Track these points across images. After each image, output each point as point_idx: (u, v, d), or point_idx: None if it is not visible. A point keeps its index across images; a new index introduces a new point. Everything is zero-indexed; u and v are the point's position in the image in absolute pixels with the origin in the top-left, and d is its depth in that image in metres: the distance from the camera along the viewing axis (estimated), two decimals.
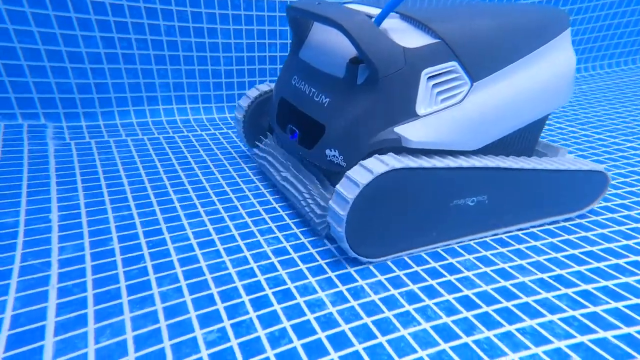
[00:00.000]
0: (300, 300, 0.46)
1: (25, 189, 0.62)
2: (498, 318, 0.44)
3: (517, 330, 0.42)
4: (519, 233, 0.57)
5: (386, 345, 0.40)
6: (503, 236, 0.56)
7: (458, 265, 0.52)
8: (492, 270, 0.51)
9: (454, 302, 0.46)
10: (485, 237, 0.56)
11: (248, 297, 0.46)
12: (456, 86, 0.47)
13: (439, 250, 0.54)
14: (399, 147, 0.46)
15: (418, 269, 0.51)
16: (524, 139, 0.55)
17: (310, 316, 0.44)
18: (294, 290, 0.47)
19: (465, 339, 0.41)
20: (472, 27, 0.46)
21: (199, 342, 0.40)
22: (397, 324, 0.43)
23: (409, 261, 0.52)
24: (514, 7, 0.52)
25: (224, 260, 0.52)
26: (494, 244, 0.55)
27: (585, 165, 0.55)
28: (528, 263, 0.52)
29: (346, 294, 0.47)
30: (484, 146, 0.51)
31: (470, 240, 0.55)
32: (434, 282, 0.49)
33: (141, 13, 0.89)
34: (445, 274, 0.50)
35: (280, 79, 0.61)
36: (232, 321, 0.43)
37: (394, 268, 0.51)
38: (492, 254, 0.54)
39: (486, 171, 0.48)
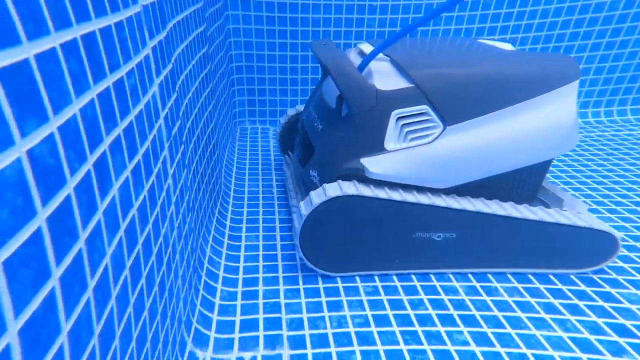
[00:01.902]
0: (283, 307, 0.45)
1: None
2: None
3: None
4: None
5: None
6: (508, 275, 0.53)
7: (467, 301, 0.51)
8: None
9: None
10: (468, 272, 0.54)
11: None
12: (427, 128, 0.48)
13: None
14: (362, 177, 0.49)
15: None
16: (516, 184, 0.54)
17: (284, 316, 0.43)
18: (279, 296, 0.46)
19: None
20: (450, 75, 0.47)
21: None
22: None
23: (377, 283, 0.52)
24: (517, 56, 0.51)
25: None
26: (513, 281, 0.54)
27: (596, 224, 0.51)
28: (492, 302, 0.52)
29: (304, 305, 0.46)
30: (461, 186, 0.51)
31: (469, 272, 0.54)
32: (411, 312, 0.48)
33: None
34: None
35: (306, 105, 0.66)
36: None
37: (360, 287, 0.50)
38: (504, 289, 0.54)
39: (450, 210, 0.49)
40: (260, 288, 0.50)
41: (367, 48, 0.57)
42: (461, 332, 0.44)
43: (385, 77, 0.48)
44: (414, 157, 0.48)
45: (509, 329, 0.45)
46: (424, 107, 0.47)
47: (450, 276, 0.53)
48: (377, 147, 0.48)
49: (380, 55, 0.53)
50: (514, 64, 0.49)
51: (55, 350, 0.17)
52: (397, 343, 0.43)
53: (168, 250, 0.34)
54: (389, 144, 0.48)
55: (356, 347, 0.42)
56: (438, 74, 0.47)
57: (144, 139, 0.28)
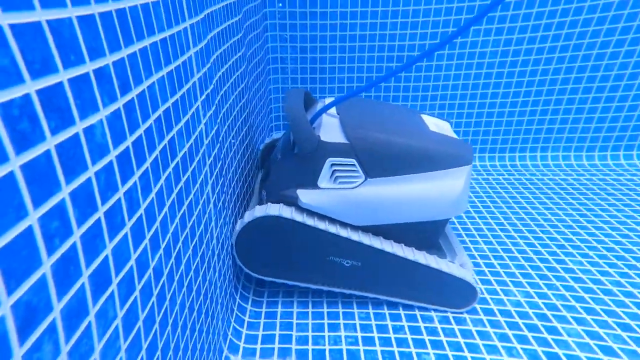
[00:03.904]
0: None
1: None
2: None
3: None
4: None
5: None
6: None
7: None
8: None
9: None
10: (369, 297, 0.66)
11: None
12: (352, 176, 0.60)
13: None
14: (295, 204, 0.61)
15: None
16: (418, 233, 0.65)
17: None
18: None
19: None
20: (377, 140, 0.59)
21: None
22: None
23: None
24: (433, 136, 0.62)
25: None
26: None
27: (457, 272, 0.62)
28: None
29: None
30: (372, 226, 0.63)
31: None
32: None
33: None
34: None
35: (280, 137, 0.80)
36: None
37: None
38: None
39: (361, 245, 0.61)
40: (279, 310, 0.66)
41: (327, 102, 0.71)
42: (428, 354, 0.57)
43: (329, 130, 0.61)
44: (339, 197, 0.60)
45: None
46: (352, 160, 0.59)
47: (432, 313, 0.65)
48: (312, 184, 0.60)
49: (334, 111, 0.66)
50: (427, 142, 0.60)
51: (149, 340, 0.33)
52: (378, 359, 0.56)
53: (211, 289, 0.50)
54: (321, 182, 0.60)
55: None
56: (368, 137, 0.59)
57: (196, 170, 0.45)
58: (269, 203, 0.62)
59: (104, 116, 0.24)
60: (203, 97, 0.46)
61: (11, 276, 0.17)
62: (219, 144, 0.53)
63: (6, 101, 0.17)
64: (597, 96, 1.11)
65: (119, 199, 0.26)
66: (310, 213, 0.62)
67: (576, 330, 0.61)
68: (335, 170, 0.60)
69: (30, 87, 0.18)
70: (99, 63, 0.24)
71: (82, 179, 0.22)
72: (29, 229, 0.18)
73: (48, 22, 0.19)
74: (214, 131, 0.50)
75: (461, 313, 0.65)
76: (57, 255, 0.20)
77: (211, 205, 0.49)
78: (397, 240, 0.65)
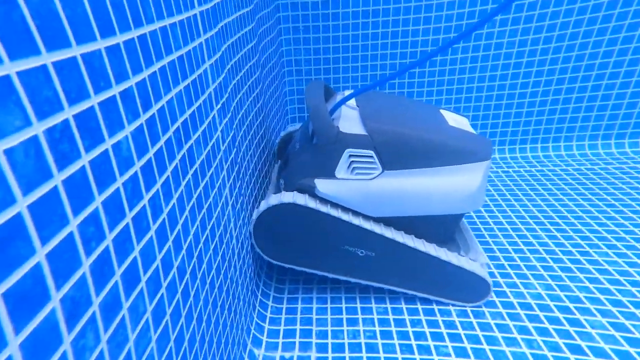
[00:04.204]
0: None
1: None
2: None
3: None
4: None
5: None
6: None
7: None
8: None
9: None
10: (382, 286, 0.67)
11: None
12: (369, 167, 0.61)
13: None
14: (313, 193, 0.62)
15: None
16: (432, 227, 0.65)
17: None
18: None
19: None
20: (396, 132, 0.59)
21: None
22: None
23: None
24: (452, 131, 0.62)
25: None
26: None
27: (468, 266, 0.63)
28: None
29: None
30: (387, 218, 0.64)
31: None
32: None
33: None
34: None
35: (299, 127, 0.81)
36: None
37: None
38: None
39: (373, 233, 0.61)
40: (299, 306, 0.68)
41: (346, 94, 0.72)
42: (446, 346, 0.58)
43: (348, 122, 0.62)
44: (355, 187, 0.61)
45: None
46: (370, 152, 0.60)
47: (452, 308, 0.66)
48: (329, 173, 0.62)
49: (353, 102, 0.67)
50: (446, 136, 0.60)
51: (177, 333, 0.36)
52: (396, 352, 0.58)
53: (233, 286, 0.53)
54: (339, 173, 0.61)
55: (364, 354, 0.58)
56: (387, 130, 0.59)
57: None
58: (284, 192, 0.64)
59: (129, 132, 0.27)
60: (219, 106, 0.49)
61: (58, 275, 0.20)
62: (235, 149, 0.56)
63: (50, 127, 0.20)
64: (615, 82, 1.07)
65: (144, 206, 0.29)
66: (324, 201, 0.63)
67: (600, 322, 0.60)
68: (353, 161, 0.61)
69: (69, 112, 0.21)
70: (124, 85, 0.27)
71: (111, 189, 0.25)
72: (70, 235, 0.21)
73: (82, 55, 0.22)
74: (229, 137, 0.53)
75: (479, 307, 0.65)
76: (94, 256, 0.23)
77: (229, 207, 0.52)
78: (412, 232, 0.66)
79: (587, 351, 0.56)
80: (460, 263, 0.63)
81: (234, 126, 0.57)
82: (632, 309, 0.62)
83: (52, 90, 0.20)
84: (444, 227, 0.66)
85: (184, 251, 0.36)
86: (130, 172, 0.27)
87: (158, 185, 0.31)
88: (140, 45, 0.29)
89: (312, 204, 0.61)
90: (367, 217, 0.64)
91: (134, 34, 0.28)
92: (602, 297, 0.65)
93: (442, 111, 0.72)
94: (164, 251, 0.32)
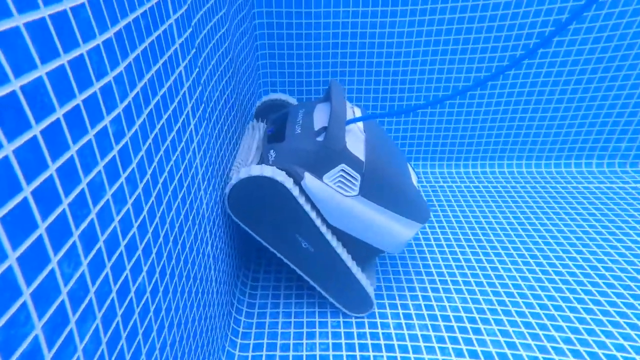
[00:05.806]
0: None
1: None
2: None
3: None
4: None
5: None
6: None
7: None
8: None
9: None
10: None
11: None
12: (350, 186, 0.71)
13: None
14: (298, 182, 0.69)
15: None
16: (361, 250, 0.78)
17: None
18: None
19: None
20: (385, 172, 0.71)
21: None
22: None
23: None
24: (414, 188, 0.75)
25: None
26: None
27: (364, 282, 0.74)
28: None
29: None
30: (338, 229, 0.75)
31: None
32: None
33: None
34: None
35: (297, 105, 0.88)
36: None
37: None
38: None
39: (322, 235, 0.72)
40: (267, 320, 0.81)
41: (357, 111, 0.81)
42: (381, 356, 0.72)
43: (354, 142, 0.71)
44: (331, 195, 0.71)
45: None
46: (358, 176, 0.70)
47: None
48: (319, 174, 0.70)
49: (362, 125, 0.76)
50: (413, 193, 0.73)
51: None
52: None
53: (213, 298, 0.65)
54: (326, 178, 0.71)
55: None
56: (379, 167, 0.70)
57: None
58: (263, 165, 0.68)
59: (98, 89, 0.30)
60: (185, 62, 0.48)
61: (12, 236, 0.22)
62: (202, 104, 0.56)
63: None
64: (602, 103, 1.15)
65: (114, 156, 0.32)
66: (302, 192, 0.71)
67: (493, 330, 0.76)
68: (341, 175, 0.70)
69: (41, 70, 0.24)
70: (90, 45, 0.28)
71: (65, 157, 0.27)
72: (25, 202, 0.23)
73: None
74: (197, 93, 0.52)
75: (362, 317, 0.82)
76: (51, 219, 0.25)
77: (198, 158, 0.53)
78: (346, 247, 0.79)
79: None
80: (359, 278, 0.78)
81: (202, 81, 0.57)
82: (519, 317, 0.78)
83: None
84: (368, 254, 0.80)
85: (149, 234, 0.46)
86: (99, 127, 0.30)
87: (127, 138, 0.34)
88: (105, 3, 0.30)
89: (295, 192, 0.69)
90: (324, 221, 0.75)
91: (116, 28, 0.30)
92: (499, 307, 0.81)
93: (408, 164, 0.85)
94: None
